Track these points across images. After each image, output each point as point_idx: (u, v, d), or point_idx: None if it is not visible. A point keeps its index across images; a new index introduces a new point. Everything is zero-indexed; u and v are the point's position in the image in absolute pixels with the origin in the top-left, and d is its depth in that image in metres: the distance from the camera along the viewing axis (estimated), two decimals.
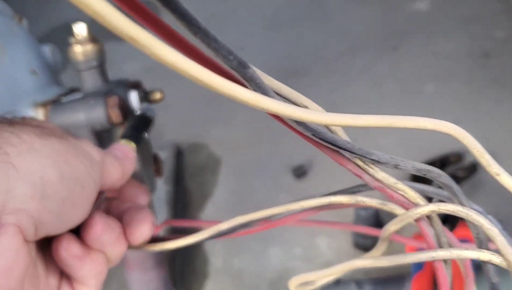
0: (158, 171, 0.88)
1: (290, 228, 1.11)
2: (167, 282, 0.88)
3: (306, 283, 0.40)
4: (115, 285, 1.09)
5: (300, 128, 0.27)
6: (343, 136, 0.28)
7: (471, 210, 0.28)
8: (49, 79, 0.86)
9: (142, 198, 0.37)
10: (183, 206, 1.18)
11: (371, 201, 0.35)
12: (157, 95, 0.82)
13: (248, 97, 0.23)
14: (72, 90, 0.83)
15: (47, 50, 0.89)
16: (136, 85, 0.84)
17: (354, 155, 0.28)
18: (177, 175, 1.21)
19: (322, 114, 0.24)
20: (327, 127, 0.28)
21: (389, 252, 1.00)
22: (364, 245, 1.03)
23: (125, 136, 0.40)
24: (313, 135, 0.27)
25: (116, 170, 0.33)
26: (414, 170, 0.28)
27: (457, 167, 1.10)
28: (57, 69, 0.91)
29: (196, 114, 1.36)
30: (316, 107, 0.27)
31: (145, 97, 0.81)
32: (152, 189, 0.86)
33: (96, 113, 0.74)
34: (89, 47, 0.77)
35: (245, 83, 0.24)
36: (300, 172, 1.17)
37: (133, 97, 0.80)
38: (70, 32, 0.79)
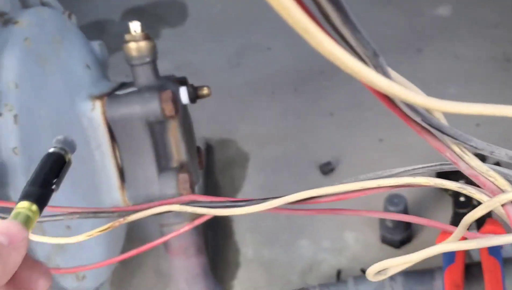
0: (200, 163, 0.93)
1: (318, 221, 1.15)
2: (207, 269, 0.92)
3: (381, 272, 0.44)
4: (151, 274, 1.13)
5: (411, 113, 0.31)
6: (445, 122, 0.32)
7: None
8: (99, 73, 0.90)
9: (41, 283, 0.31)
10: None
11: (450, 184, 0.39)
12: (205, 90, 0.87)
13: (383, 84, 0.26)
14: (122, 84, 0.87)
15: (96, 45, 0.94)
16: (182, 81, 0.89)
17: (454, 141, 0.32)
18: (208, 169, 1.25)
19: (438, 101, 0.28)
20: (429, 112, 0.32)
21: (418, 246, 1.03)
22: (392, 240, 1.07)
23: (26, 196, 0.33)
24: (422, 120, 0.31)
25: None
26: (507, 158, 0.32)
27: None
28: (105, 64, 0.95)
29: (225, 111, 1.40)
30: (423, 94, 0.31)
31: (193, 92, 0.86)
32: (197, 180, 0.90)
33: (151, 106, 0.78)
34: (143, 44, 0.82)
35: (374, 68, 0.28)
36: (327, 169, 1.21)
37: (183, 92, 0.84)
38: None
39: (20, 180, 0.68)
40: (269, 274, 1.08)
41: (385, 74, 0.29)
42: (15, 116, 0.68)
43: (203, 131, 1.33)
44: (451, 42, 1.46)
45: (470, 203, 1.00)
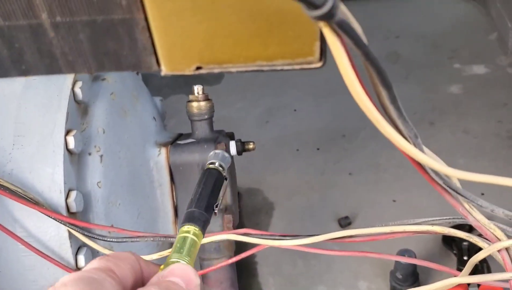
0: (239, 206, 1.07)
1: (335, 270, 1.27)
2: None
3: None
4: None
5: (437, 178, 0.45)
6: (459, 186, 0.46)
7: None
8: (161, 124, 1.06)
9: None
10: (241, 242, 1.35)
11: (460, 233, 0.53)
12: (251, 145, 1.02)
13: (421, 158, 0.41)
14: (180, 135, 1.03)
15: (158, 100, 1.10)
16: (231, 135, 1.04)
17: (465, 200, 0.46)
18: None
19: (455, 170, 0.43)
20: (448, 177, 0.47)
21: None
22: None
23: (192, 219, 0.33)
24: (443, 183, 0.45)
25: None
26: (503, 215, 0.46)
27: None
28: (164, 116, 1.11)
29: (254, 163, 1.56)
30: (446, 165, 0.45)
31: (241, 146, 1.01)
32: (237, 220, 1.04)
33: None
34: (203, 104, 0.98)
35: (408, 139, 0.43)
36: (345, 222, 1.35)
37: (232, 146, 1.00)
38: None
39: (100, 208, 0.82)
40: None
41: (421, 150, 0.44)
42: (101, 156, 0.83)
43: None
44: (461, 118, 1.62)
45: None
